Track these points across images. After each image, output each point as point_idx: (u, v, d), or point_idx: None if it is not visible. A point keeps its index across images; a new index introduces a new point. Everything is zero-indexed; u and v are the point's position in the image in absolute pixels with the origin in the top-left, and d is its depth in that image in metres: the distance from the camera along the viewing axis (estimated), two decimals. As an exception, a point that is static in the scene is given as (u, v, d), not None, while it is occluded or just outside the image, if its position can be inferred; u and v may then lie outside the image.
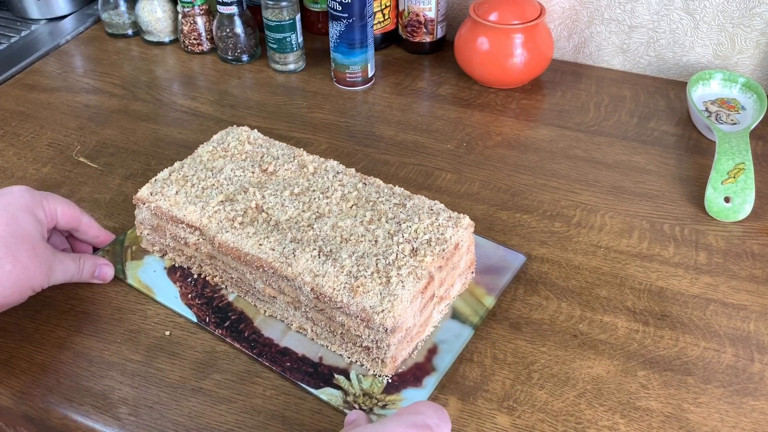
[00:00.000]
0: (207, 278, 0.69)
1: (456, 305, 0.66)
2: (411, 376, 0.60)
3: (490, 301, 0.66)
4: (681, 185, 0.81)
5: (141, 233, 0.72)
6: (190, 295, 0.68)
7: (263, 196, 0.67)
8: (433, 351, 0.62)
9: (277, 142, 0.75)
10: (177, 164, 0.72)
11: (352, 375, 0.60)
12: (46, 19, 1.18)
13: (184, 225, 0.66)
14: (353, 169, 0.71)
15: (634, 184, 0.81)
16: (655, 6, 0.95)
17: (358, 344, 0.59)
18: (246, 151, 0.73)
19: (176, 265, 0.71)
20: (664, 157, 0.86)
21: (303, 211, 0.65)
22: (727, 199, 0.76)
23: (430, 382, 0.59)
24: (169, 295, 0.68)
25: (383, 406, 0.57)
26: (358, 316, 0.56)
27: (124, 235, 0.74)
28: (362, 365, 0.60)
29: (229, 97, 0.99)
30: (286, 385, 0.60)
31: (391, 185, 0.68)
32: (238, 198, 0.67)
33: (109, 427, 0.57)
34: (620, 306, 0.66)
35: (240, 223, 0.64)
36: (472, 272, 0.68)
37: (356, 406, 0.57)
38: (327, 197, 0.66)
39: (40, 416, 0.59)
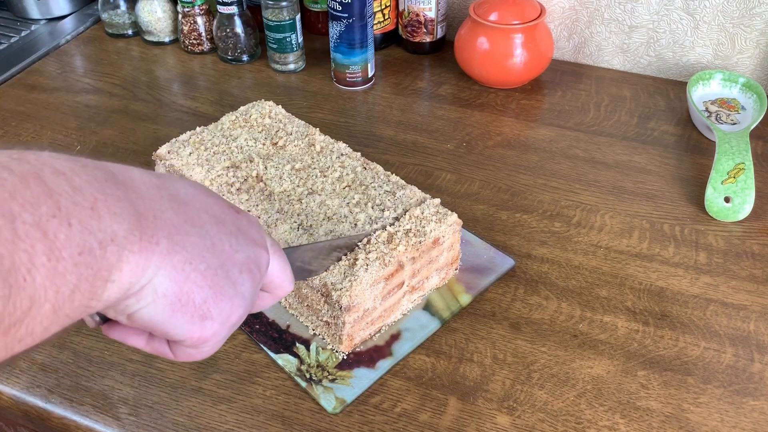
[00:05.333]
0: None
1: (431, 297, 0.67)
2: (367, 356, 0.62)
3: (465, 299, 0.67)
4: (681, 185, 0.81)
5: None
6: None
7: (266, 167, 0.70)
8: (396, 337, 0.63)
9: (296, 119, 0.78)
10: (198, 129, 0.76)
11: (312, 346, 0.63)
12: (46, 19, 1.18)
13: None
14: (359, 153, 0.73)
15: (634, 184, 0.81)
16: (655, 6, 0.95)
17: (320, 318, 0.61)
18: (264, 124, 0.77)
19: None
20: (664, 157, 0.86)
21: (297, 185, 0.68)
22: (727, 199, 0.76)
23: (384, 365, 0.61)
24: None
25: (333, 380, 0.60)
26: (319, 291, 0.59)
27: None
28: (323, 339, 0.63)
29: (229, 97, 0.99)
30: (287, 385, 0.60)
31: (389, 173, 0.70)
32: (242, 166, 0.70)
33: (109, 427, 0.57)
34: (620, 306, 0.66)
35: (237, 189, 0.68)
36: (456, 269, 0.69)
37: (308, 375, 0.60)
38: (324, 176, 0.69)
39: (40, 416, 0.59)
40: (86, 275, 0.30)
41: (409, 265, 0.62)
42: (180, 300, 0.35)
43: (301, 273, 0.56)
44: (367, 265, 0.59)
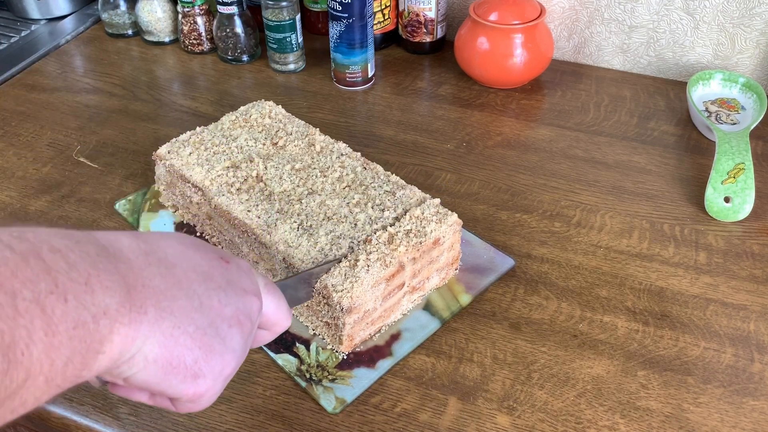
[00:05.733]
0: (206, 237, 0.73)
1: (431, 297, 0.67)
2: (367, 356, 0.62)
3: (465, 299, 0.67)
4: (681, 185, 0.81)
5: (158, 188, 0.77)
6: None
7: (266, 167, 0.70)
8: (396, 337, 0.63)
9: (296, 119, 0.78)
10: (198, 129, 0.76)
11: (312, 346, 0.62)
12: (46, 19, 1.18)
13: (190, 185, 0.70)
14: (359, 153, 0.73)
15: (634, 184, 0.81)
16: (655, 6, 0.95)
17: (320, 318, 0.61)
18: (264, 124, 0.77)
19: (184, 222, 0.75)
20: (664, 157, 0.86)
21: (297, 185, 0.68)
22: (727, 199, 0.76)
23: (384, 365, 0.61)
24: None
25: (333, 380, 0.59)
26: (320, 292, 0.58)
27: (147, 189, 0.79)
28: (323, 339, 0.63)
29: (229, 97, 0.99)
30: (287, 385, 0.60)
31: (388, 173, 0.70)
32: (242, 166, 0.70)
33: (109, 427, 0.57)
34: (620, 306, 0.66)
35: (237, 189, 0.68)
36: (456, 269, 0.69)
37: (308, 375, 0.60)
38: (324, 176, 0.69)
39: (40, 416, 0.59)
40: (79, 348, 0.31)
41: (409, 266, 0.62)
42: (171, 363, 0.36)
43: (301, 293, 0.58)
44: (368, 266, 0.59)
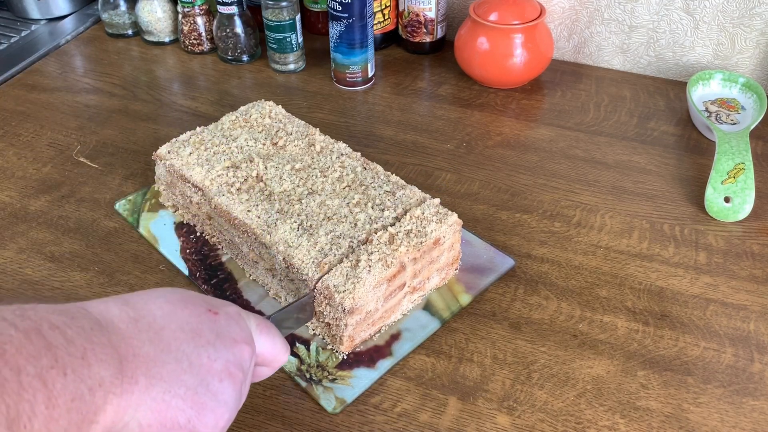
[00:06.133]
0: (206, 237, 0.73)
1: (431, 297, 0.67)
2: (367, 356, 0.62)
3: (465, 299, 0.67)
4: (681, 185, 0.81)
5: (159, 188, 0.77)
6: (188, 251, 0.72)
7: (266, 167, 0.70)
8: (395, 337, 0.63)
9: (296, 119, 0.78)
10: (198, 129, 0.76)
11: (312, 346, 0.62)
12: (46, 19, 1.18)
13: (190, 184, 0.70)
14: (359, 153, 0.73)
15: (634, 184, 0.81)
16: (655, 6, 0.95)
17: (320, 319, 0.61)
18: (264, 124, 0.77)
19: (184, 222, 0.75)
20: (664, 157, 0.86)
21: (297, 185, 0.68)
22: (727, 199, 0.76)
23: (384, 365, 0.61)
24: (170, 247, 0.73)
25: (333, 380, 0.59)
26: (321, 293, 0.59)
27: (147, 189, 0.80)
28: (324, 339, 0.63)
29: (229, 97, 0.99)
30: (287, 385, 0.60)
31: (388, 173, 0.70)
32: (242, 166, 0.70)
33: (109, 427, 0.57)
34: (620, 306, 0.66)
35: (237, 189, 0.68)
36: (456, 269, 0.69)
37: (308, 375, 0.60)
38: (324, 176, 0.69)
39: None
40: (76, 419, 0.33)
41: (410, 266, 0.62)
42: (165, 425, 0.38)
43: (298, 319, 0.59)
44: (370, 266, 0.59)
